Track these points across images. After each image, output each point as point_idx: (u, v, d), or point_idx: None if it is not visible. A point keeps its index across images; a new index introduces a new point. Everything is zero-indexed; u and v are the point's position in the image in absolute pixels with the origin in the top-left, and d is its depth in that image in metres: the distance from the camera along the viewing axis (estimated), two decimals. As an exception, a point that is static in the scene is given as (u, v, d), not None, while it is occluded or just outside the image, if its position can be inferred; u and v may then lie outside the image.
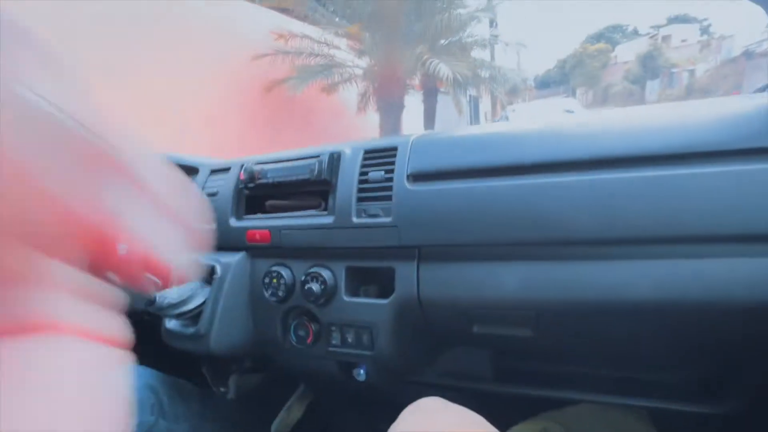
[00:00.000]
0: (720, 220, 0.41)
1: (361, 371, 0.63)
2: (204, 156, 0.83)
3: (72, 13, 2.85)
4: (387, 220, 0.55)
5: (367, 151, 0.61)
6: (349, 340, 0.59)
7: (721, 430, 0.59)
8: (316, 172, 0.61)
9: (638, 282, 0.44)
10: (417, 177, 0.55)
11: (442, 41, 5.26)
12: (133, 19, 3.26)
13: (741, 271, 0.41)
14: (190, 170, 0.77)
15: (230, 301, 0.63)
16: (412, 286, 0.54)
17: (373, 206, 0.57)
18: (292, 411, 0.93)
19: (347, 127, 5.90)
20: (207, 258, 0.67)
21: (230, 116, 4.07)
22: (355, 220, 0.57)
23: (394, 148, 0.58)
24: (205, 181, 0.74)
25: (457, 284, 0.52)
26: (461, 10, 5.31)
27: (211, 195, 0.72)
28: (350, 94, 5.49)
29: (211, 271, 0.64)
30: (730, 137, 0.42)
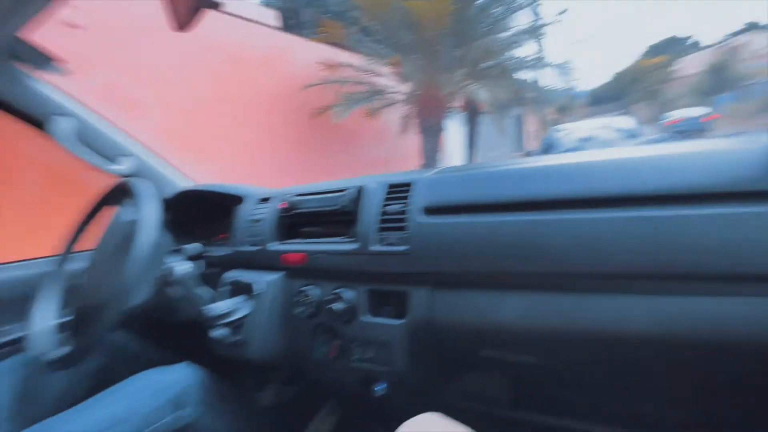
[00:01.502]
0: (712, 260, 0.42)
1: (380, 386, 0.68)
2: (251, 185, 0.96)
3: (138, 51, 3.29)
4: (402, 248, 0.61)
5: (390, 186, 0.68)
6: (369, 355, 0.65)
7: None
8: (343, 204, 0.70)
9: (636, 316, 0.46)
10: (430, 210, 0.61)
11: (483, 65, 5.31)
12: (193, 50, 3.66)
13: (736, 310, 0.42)
14: (238, 199, 0.89)
15: (268, 315, 0.73)
16: (424, 308, 0.59)
17: (391, 235, 0.63)
18: (321, 424, 0.99)
19: (389, 149, 6.09)
20: (247, 276, 0.77)
21: (281, 141, 4.40)
22: (373, 248, 0.64)
23: (409, 184, 0.65)
24: (251, 210, 0.86)
25: (466, 309, 0.57)
26: (503, 34, 5.36)
27: (256, 221, 0.83)
28: (392, 117, 5.69)
29: (250, 288, 0.74)
30: (727, 180, 0.44)
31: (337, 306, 0.65)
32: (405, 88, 5.56)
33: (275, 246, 0.77)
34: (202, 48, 3.68)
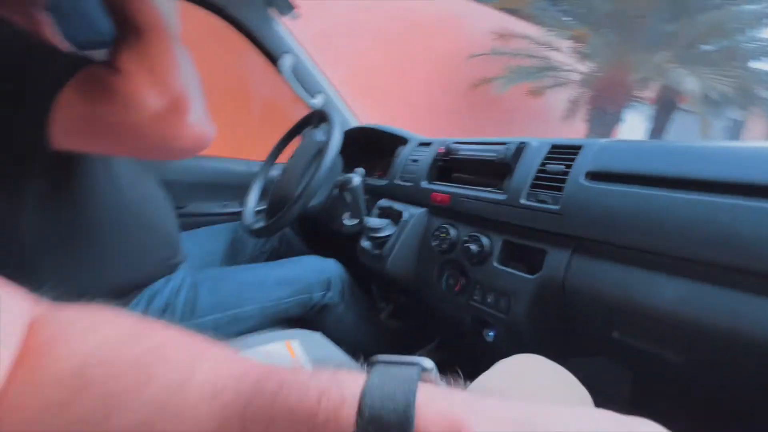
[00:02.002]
0: None
1: (491, 333, 0.72)
2: (409, 131, 1.06)
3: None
4: (555, 207, 0.61)
5: (554, 146, 0.67)
6: (489, 300, 0.69)
7: None
8: (502, 155, 0.72)
9: None
10: (595, 175, 0.59)
11: (702, 47, 4.19)
12: (368, 13, 3.95)
13: None
14: (402, 140, 1.00)
15: (408, 240, 0.83)
16: (560, 270, 0.59)
17: (545, 194, 0.64)
18: (425, 356, 1.09)
19: (545, 133, 5.56)
20: (399, 205, 0.88)
21: (436, 107, 4.51)
22: (523, 201, 0.66)
23: (579, 147, 0.63)
24: (412, 151, 0.96)
25: (606, 281, 0.55)
26: (745, 6, 4.08)
27: (414, 161, 0.93)
28: (560, 99, 5.12)
29: (400, 215, 0.85)
30: None
31: (473, 246, 0.70)
32: (584, 67, 4.88)
33: (426, 184, 0.86)
34: (386, 15, 3.96)
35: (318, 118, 1.05)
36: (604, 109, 4.77)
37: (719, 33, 4.18)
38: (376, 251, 0.86)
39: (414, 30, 4.33)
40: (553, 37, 4.80)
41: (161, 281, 0.71)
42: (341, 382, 0.18)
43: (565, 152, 0.65)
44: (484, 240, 0.71)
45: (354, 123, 1.30)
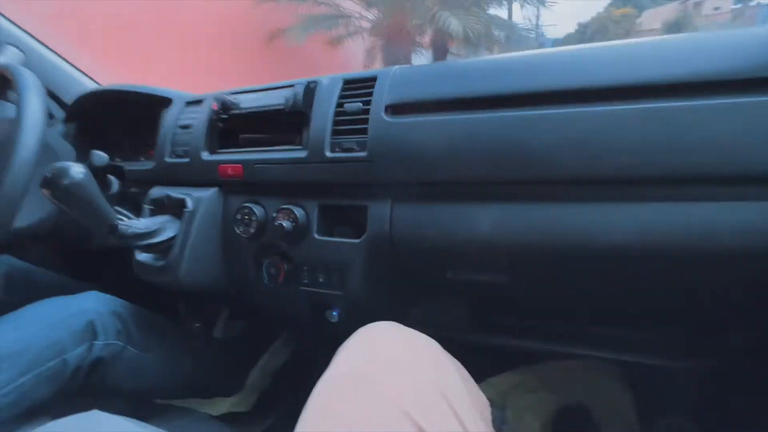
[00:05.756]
0: (718, 160, 0.37)
1: (334, 313, 0.62)
2: (179, 90, 0.78)
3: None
4: (362, 154, 0.51)
5: (346, 81, 0.56)
6: (320, 279, 0.58)
7: (691, 385, 0.58)
8: (291, 101, 0.57)
9: (622, 226, 0.41)
10: (396, 109, 0.51)
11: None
12: None
13: (735, 216, 0.37)
14: (164, 101, 0.73)
15: (201, 236, 0.62)
16: (385, 225, 0.51)
17: (349, 140, 0.53)
18: (274, 357, 0.93)
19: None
20: (178, 192, 0.64)
21: (228, 66, 3.91)
22: (328, 154, 0.53)
23: (374, 78, 0.53)
24: (179, 114, 0.70)
25: (431, 224, 0.50)
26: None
27: (185, 128, 0.68)
28: (357, 49, 5.23)
29: (182, 204, 0.62)
30: (739, 66, 0.37)
31: (285, 223, 0.55)
32: (371, 14, 5.07)
33: (208, 156, 0.64)
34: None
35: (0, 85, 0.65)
36: (394, 57, 5.15)
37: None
38: (160, 262, 0.61)
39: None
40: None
41: None
42: None
43: (360, 86, 0.55)
44: (297, 211, 0.56)
45: (91, 87, 0.90)
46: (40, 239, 0.71)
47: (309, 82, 0.57)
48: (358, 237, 0.54)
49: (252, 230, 0.59)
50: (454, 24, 4.39)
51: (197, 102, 0.69)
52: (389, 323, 0.35)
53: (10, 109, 0.66)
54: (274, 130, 0.61)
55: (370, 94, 0.53)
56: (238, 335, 0.95)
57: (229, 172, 0.61)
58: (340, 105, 0.54)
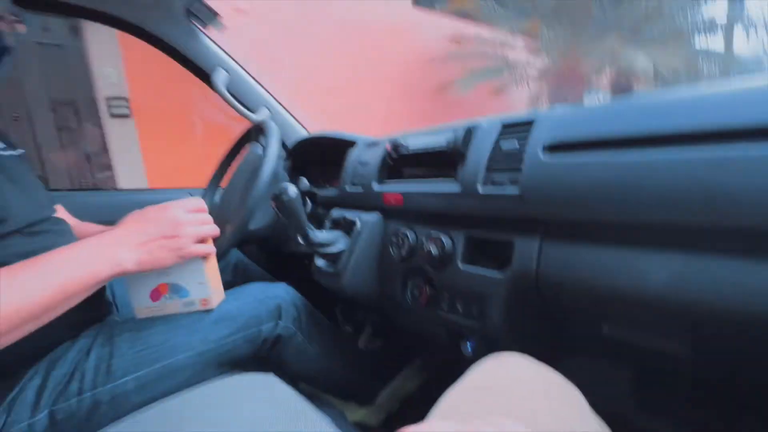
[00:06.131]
0: None
1: (469, 345, 0.62)
2: (363, 134, 0.97)
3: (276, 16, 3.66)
4: (513, 190, 0.53)
5: (505, 125, 0.60)
6: (459, 308, 0.60)
7: None
8: (452, 143, 0.64)
9: None
10: (554, 148, 0.51)
11: (648, 28, 4.35)
12: (321, 20, 3.91)
13: None
14: (350, 143, 0.92)
15: (364, 252, 0.73)
16: (531, 262, 0.51)
17: (502, 176, 0.55)
18: (405, 382, 0.97)
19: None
20: (352, 214, 0.79)
21: (398, 113, 4.48)
22: (480, 189, 0.57)
23: (531, 121, 0.55)
24: (360, 153, 0.87)
25: (585, 267, 0.46)
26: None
27: (363, 164, 0.83)
28: (521, 95, 5.20)
29: (353, 224, 0.76)
30: None
31: (432, 249, 0.61)
32: (539, 61, 4.99)
33: (378, 187, 0.77)
34: (337, 21, 3.94)
35: (256, 132, 0.95)
36: (562, 101, 4.87)
37: (659, 15, 4.36)
38: (331, 269, 0.75)
39: (367, 37, 4.32)
40: (506, 36, 4.91)
41: (66, 343, 0.58)
42: None
43: (518, 129, 0.57)
44: (445, 239, 0.61)
45: (303, 134, 1.21)
46: (258, 241, 0.97)
47: (469, 126, 0.63)
48: (501, 271, 0.55)
49: (403, 253, 0.67)
50: (642, 61, 3.87)
51: (375, 144, 0.84)
52: (517, 355, 0.35)
53: (259, 149, 0.95)
54: (433, 166, 0.69)
55: (527, 133, 0.55)
56: (376, 351, 1.04)
57: (392, 200, 0.72)
58: (496, 145, 0.58)
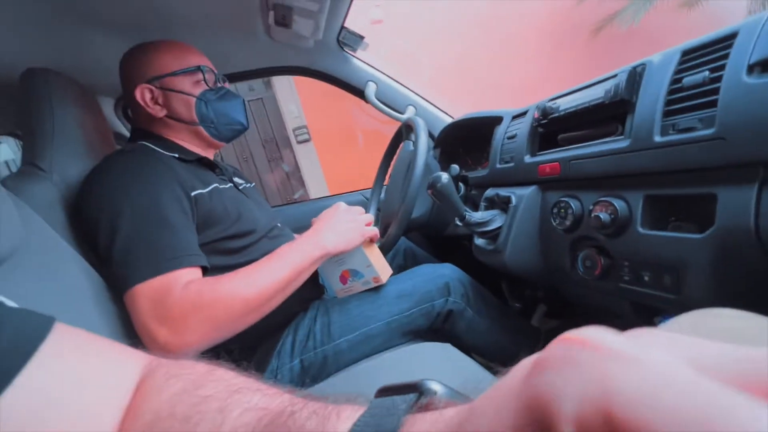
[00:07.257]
0: None
1: (664, 319, 0.54)
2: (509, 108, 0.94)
3: None
4: (707, 132, 0.43)
5: (685, 52, 0.49)
6: (645, 278, 0.52)
7: None
8: (612, 92, 0.56)
9: None
10: (766, 65, 0.39)
11: None
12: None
13: None
14: (497, 120, 0.90)
15: (522, 226, 0.72)
16: (745, 216, 0.40)
17: (687, 119, 0.46)
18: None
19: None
20: (505, 191, 0.78)
21: (553, 75, 3.96)
22: (657, 139, 0.48)
23: (733, 34, 0.43)
24: (507, 127, 0.84)
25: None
26: None
27: (511, 138, 0.81)
28: (725, 6, 3.78)
29: (508, 201, 0.75)
30: None
31: (602, 215, 0.55)
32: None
33: (530, 159, 0.74)
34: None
35: (406, 130, 1.05)
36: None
37: None
38: (491, 246, 0.77)
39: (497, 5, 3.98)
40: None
41: (301, 314, 0.80)
42: (337, 417, 0.17)
43: (709, 51, 0.46)
44: (617, 203, 0.55)
45: (448, 121, 1.25)
46: (421, 227, 1.06)
47: (635, 66, 0.54)
48: (701, 232, 0.45)
49: (568, 222, 0.63)
50: None
51: (522, 114, 0.81)
52: (713, 310, 0.29)
53: (410, 145, 1.04)
54: (592, 126, 0.62)
55: (725, 56, 0.43)
56: (551, 329, 0.99)
57: (547, 170, 0.68)
58: (676, 81, 0.48)
